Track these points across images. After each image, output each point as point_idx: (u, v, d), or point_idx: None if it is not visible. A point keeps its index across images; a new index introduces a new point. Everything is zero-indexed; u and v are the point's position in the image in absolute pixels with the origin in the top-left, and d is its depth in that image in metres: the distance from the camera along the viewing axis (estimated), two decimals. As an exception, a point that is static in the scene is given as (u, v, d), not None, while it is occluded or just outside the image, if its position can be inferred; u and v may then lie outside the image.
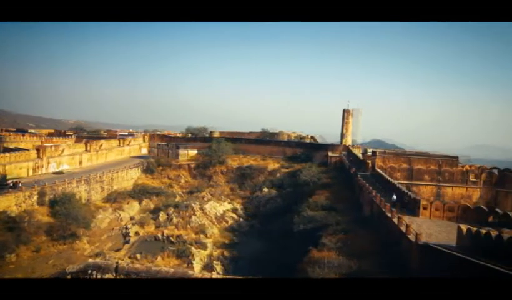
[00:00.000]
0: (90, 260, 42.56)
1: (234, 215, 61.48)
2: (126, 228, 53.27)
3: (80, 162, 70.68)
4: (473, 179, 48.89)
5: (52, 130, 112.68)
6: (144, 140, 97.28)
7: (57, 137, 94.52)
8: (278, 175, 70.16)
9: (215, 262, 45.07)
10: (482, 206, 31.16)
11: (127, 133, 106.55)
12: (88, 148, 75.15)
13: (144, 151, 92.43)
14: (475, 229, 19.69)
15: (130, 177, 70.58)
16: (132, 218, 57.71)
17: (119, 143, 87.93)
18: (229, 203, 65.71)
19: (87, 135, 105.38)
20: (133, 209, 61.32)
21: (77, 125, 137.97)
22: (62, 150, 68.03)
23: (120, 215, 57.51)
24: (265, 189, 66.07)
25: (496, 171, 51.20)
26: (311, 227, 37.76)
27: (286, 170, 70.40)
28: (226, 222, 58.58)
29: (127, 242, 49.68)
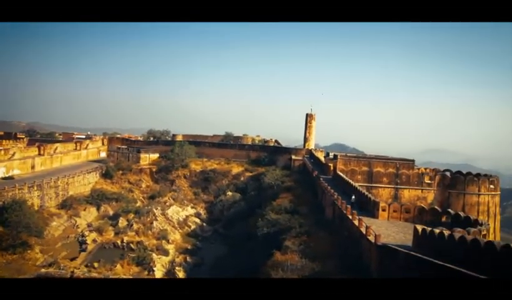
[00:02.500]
0: (43, 270, 40.21)
1: (197, 220, 60.57)
2: (82, 235, 50.86)
3: (33, 167, 66.65)
4: (428, 181, 51.29)
5: (1, 133, 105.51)
6: (103, 144, 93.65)
7: (7, 140, 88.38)
8: (242, 179, 70.02)
9: (177, 268, 44.08)
10: (436, 207, 32.67)
11: (84, 136, 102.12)
12: (42, 152, 71.05)
13: (103, 155, 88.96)
14: (429, 229, 20.52)
15: (88, 182, 67.55)
16: (89, 225, 55.19)
17: (76, 146, 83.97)
18: (192, 207, 64.71)
19: (41, 138, 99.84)
20: (90, 215, 58.71)
21: (30, 128, 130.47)
22: (13, 154, 63.88)
23: (76, 222, 54.82)
24: (229, 193, 65.68)
25: (448, 174, 54.08)
26: (274, 230, 37.86)
27: (251, 173, 70.44)
28: (189, 227, 57.60)
29: (84, 250, 47.45)
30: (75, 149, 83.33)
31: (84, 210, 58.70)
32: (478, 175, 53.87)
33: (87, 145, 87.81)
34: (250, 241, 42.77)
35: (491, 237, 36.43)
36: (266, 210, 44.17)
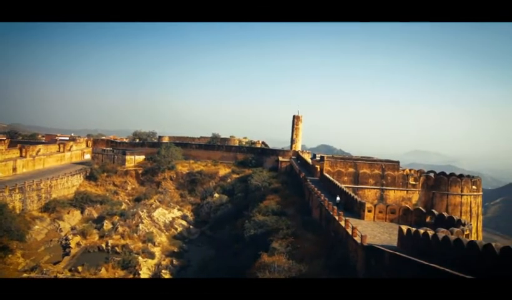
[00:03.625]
0: (25, 275, 39.27)
1: (184, 222, 60.10)
2: (66, 239, 49.86)
3: (14, 169, 65.04)
4: (413, 182, 52.03)
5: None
6: (87, 146, 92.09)
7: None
8: (229, 180, 69.80)
9: (163, 271, 43.65)
10: (420, 208, 33.18)
11: (68, 138, 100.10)
12: (24, 154, 69.44)
13: (87, 157, 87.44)
14: (414, 229, 20.81)
15: (72, 185, 66.30)
16: (72, 228, 54.15)
17: (59, 148, 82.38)
18: (178, 210, 64.16)
19: (23, 139, 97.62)
20: (74, 218, 57.63)
21: (11, 129, 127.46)
22: (-7, 156, 62.25)
23: (59, 225, 53.71)
24: (216, 195, 65.39)
25: (432, 175, 55.00)
26: (261, 232, 37.81)
27: (237, 175, 70.27)
28: (176, 229, 57.07)
29: (67, 254, 46.52)
30: (59, 150, 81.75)
31: (68, 213, 57.59)
32: (461, 176, 54.92)
33: (71, 147, 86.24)
34: (237, 243, 42.62)
35: (473, 237, 37.18)
36: (253, 212, 44.13)
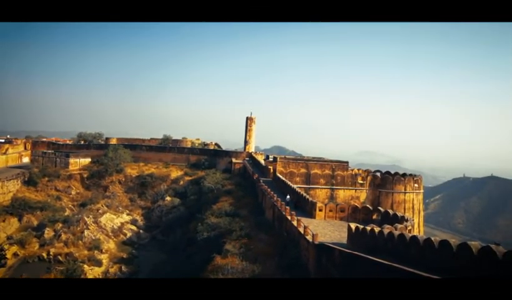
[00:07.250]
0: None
1: (133, 227, 57.79)
2: (1, 249, 45.91)
3: None
4: (361, 182, 54.32)
5: None
6: (26, 148, 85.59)
7: None
8: (181, 183, 68.26)
9: (111, 278, 41.53)
10: (368, 206, 34.59)
11: (3, 140, 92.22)
12: (-49, 157, 63.09)
13: (26, 160, 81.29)
14: (362, 227, 21.54)
15: (7, 190, 61.16)
16: (9, 237, 49.99)
17: (-7, 151, 75.86)
18: (128, 214, 61.61)
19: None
20: (11, 226, 53.27)
21: None
22: None
23: (-7, 235, 49.36)
24: (168, 198, 63.65)
25: (378, 174, 57.78)
26: (215, 234, 37.32)
27: (190, 177, 68.96)
28: (125, 234, 54.73)
29: (3, 266, 42.89)
30: (-7, 153, 75.22)
31: (3, 221, 53.13)
32: (404, 175, 58.30)
33: (7, 149, 79.61)
34: (190, 246, 41.74)
35: (415, 232, 39.47)
36: (206, 215, 43.42)
